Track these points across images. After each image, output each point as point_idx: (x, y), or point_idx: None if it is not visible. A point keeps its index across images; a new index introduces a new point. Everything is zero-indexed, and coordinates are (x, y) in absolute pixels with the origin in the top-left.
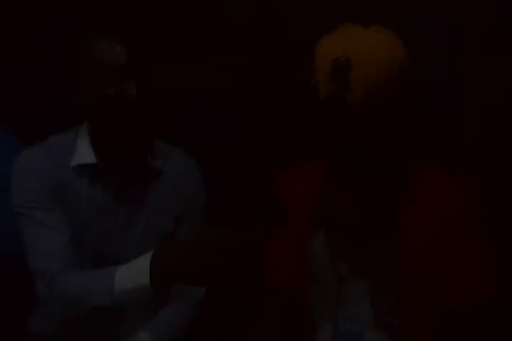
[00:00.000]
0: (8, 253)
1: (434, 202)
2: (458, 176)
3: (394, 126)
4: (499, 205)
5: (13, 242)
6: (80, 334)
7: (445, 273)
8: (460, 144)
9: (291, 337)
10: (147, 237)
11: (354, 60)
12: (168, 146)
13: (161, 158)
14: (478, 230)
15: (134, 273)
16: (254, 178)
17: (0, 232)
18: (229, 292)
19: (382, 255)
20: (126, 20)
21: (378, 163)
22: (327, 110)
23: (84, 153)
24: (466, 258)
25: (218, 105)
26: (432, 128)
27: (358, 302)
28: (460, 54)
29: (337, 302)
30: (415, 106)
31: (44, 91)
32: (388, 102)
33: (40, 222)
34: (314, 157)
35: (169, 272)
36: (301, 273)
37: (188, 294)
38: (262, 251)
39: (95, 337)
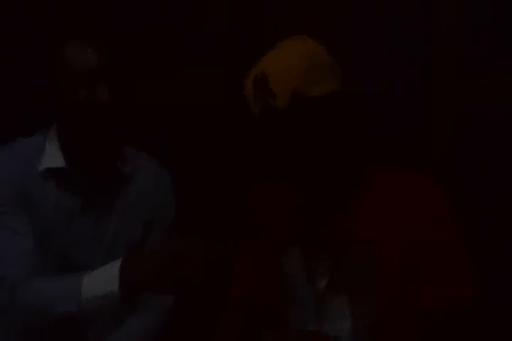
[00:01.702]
0: None
1: (406, 209)
2: (428, 181)
3: (338, 127)
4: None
5: None
6: None
7: (423, 277)
8: (429, 155)
9: None
10: (115, 244)
11: (267, 69)
12: (140, 154)
13: (132, 165)
14: (454, 234)
15: (102, 279)
16: (227, 190)
17: None
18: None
19: (359, 268)
20: (102, 25)
21: (340, 175)
22: (266, 125)
23: (53, 157)
24: (442, 262)
25: (194, 116)
26: (401, 138)
27: (337, 317)
28: (429, 65)
29: (316, 318)
30: (361, 109)
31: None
32: (321, 103)
33: (3, 226)
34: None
35: (139, 279)
36: (277, 293)
37: (156, 303)
38: (233, 262)
39: None
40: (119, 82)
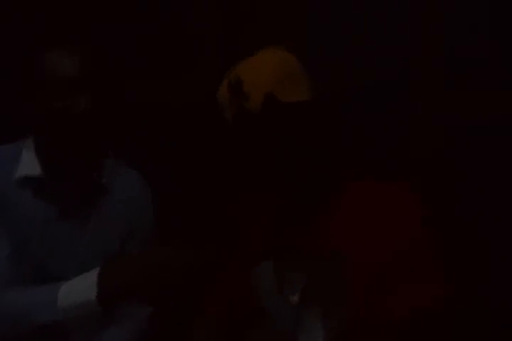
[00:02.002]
0: None
1: (378, 221)
2: (401, 192)
3: (307, 133)
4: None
5: None
6: None
7: (393, 288)
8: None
9: None
10: (91, 254)
11: (243, 73)
12: (119, 163)
13: (110, 175)
14: (425, 245)
15: (79, 288)
16: (209, 200)
17: None
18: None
19: (331, 280)
20: (84, 33)
21: (314, 184)
22: (239, 129)
23: (29, 166)
24: (412, 273)
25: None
26: (379, 149)
27: (311, 328)
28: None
29: (290, 330)
30: (332, 114)
31: None
32: (293, 109)
33: None
34: (264, 183)
35: (117, 287)
36: (251, 304)
37: (135, 311)
38: (215, 271)
39: None
40: (100, 91)
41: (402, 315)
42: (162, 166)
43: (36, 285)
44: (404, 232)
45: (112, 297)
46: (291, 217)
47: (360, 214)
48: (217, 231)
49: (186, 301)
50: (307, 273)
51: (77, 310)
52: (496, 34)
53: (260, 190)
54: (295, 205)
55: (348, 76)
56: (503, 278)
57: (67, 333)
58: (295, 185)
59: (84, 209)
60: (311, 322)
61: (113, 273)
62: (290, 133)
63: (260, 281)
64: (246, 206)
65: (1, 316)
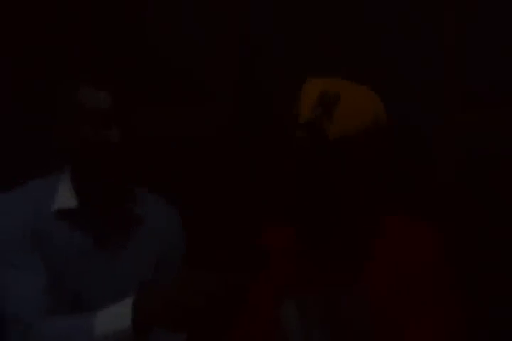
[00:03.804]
0: None
1: (402, 261)
2: (425, 232)
3: (366, 173)
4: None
5: None
6: None
7: (411, 322)
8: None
9: None
10: (126, 283)
11: (344, 95)
12: (149, 193)
13: (143, 205)
14: (445, 285)
15: (115, 316)
16: (236, 227)
17: None
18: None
19: (353, 319)
20: (110, 66)
21: (347, 217)
22: (301, 146)
23: (66, 198)
24: (432, 311)
25: (203, 151)
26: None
27: None
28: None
29: None
30: (388, 157)
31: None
32: (362, 149)
33: (16, 266)
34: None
35: (152, 314)
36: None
37: (168, 339)
38: (247, 298)
39: None
40: (129, 122)
41: None
42: (185, 191)
43: (72, 314)
44: (425, 269)
45: (147, 324)
46: (315, 251)
47: (382, 251)
48: (246, 256)
49: (218, 327)
50: (329, 310)
51: (112, 338)
52: None
53: (287, 225)
54: (318, 244)
55: None
56: None
57: None
58: (329, 220)
59: (118, 239)
60: None
61: (147, 301)
62: (356, 173)
63: (283, 317)
64: (272, 239)
65: None
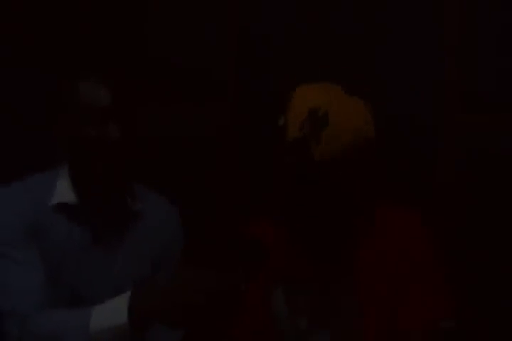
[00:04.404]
0: None
1: (390, 250)
2: (413, 219)
3: (355, 179)
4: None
5: None
6: None
7: (402, 306)
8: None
9: None
10: (123, 279)
11: (332, 117)
12: (149, 190)
13: (142, 202)
14: (433, 268)
15: (111, 311)
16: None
17: None
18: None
19: (342, 306)
20: (110, 63)
21: (340, 217)
22: (290, 153)
23: (64, 192)
24: (420, 293)
25: (199, 150)
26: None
27: None
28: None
29: None
30: (375, 161)
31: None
32: (350, 161)
33: (14, 260)
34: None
35: (148, 311)
36: (265, 330)
37: (164, 336)
38: (244, 294)
39: None
40: (129, 119)
41: (414, 327)
42: (185, 191)
43: (69, 309)
44: (414, 252)
45: (143, 321)
46: (307, 248)
47: (371, 245)
48: (241, 253)
49: (215, 324)
50: (316, 297)
51: (108, 333)
52: None
53: (278, 218)
54: (313, 239)
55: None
56: None
57: None
58: (325, 215)
59: (117, 235)
60: None
61: (143, 297)
62: (345, 181)
63: (271, 304)
64: (263, 231)
65: (35, 339)
